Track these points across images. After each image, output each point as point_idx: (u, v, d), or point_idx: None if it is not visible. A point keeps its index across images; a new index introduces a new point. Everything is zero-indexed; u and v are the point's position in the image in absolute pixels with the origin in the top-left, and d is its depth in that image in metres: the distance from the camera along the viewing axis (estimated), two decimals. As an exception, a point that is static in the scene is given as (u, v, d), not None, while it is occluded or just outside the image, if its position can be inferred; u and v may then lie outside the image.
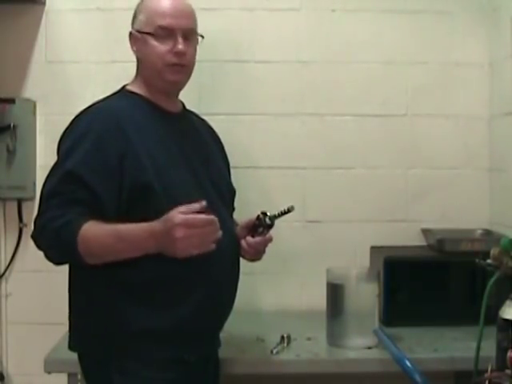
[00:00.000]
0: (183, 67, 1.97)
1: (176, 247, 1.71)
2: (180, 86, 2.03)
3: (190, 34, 1.98)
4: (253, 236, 2.04)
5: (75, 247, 1.75)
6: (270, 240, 2.04)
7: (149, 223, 1.75)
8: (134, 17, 2.01)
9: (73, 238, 1.74)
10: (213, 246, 1.74)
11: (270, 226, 2.02)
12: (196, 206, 1.72)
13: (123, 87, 2.03)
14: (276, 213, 2.00)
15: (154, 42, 1.94)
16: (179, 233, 1.69)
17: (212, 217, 1.73)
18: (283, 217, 2.01)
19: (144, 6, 1.99)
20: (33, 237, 1.84)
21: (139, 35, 1.97)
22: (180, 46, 1.93)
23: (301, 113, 2.77)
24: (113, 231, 1.77)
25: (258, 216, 2.02)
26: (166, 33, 1.94)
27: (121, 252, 1.79)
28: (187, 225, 1.70)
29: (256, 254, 2.07)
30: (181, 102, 2.10)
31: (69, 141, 1.86)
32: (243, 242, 2.04)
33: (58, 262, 1.87)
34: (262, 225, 2.00)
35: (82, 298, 1.91)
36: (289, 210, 1.99)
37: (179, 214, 1.71)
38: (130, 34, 2.01)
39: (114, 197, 1.81)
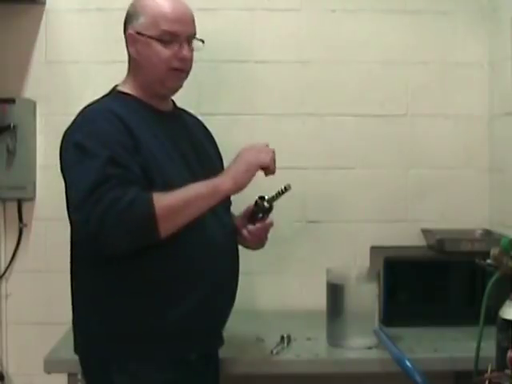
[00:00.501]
0: (184, 73, 1.98)
1: (248, 156, 1.88)
2: (177, 91, 2.04)
3: (192, 39, 1.98)
4: (253, 223, 2.03)
5: (153, 211, 1.72)
6: (271, 225, 2.02)
7: None
8: (132, 17, 1.97)
9: (149, 202, 1.73)
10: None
11: (269, 210, 1.98)
12: None
13: (114, 88, 2.02)
14: (273, 194, 1.97)
15: (158, 47, 1.93)
16: (247, 146, 1.90)
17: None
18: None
19: (146, 8, 1.95)
20: (94, 227, 1.69)
21: (141, 37, 1.94)
22: (185, 52, 1.94)
23: (301, 113, 2.77)
24: (184, 187, 1.81)
25: (256, 202, 2.00)
26: (171, 38, 1.93)
27: (193, 200, 1.81)
28: (252, 144, 1.92)
29: (259, 241, 2.07)
30: (171, 100, 2.10)
31: (81, 137, 1.81)
32: (244, 231, 2.04)
33: (130, 244, 1.76)
34: (260, 210, 1.97)
35: (83, 300, 1.91)
36: (286, 189, 1.96)
37: None
38: (129, 34, 1.97)
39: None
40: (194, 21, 1.99)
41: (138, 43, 1.95)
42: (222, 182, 1.85)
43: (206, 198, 1.83)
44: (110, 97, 1.98)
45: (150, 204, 1.74)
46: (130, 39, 1.97)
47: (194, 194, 1.82)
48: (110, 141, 1.80)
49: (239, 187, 1.86)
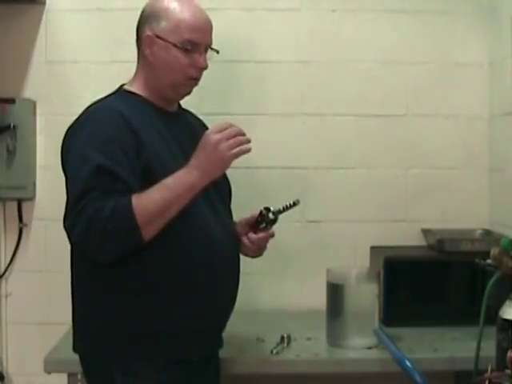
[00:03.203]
0: (197, 80, 1.99)
1: (217, 153, 1.78)
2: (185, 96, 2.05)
3: (209, 48, 1.99)
4: (255, 232, 2.03)
5: (134, 219, 1.73)
6: (272, 236, 2.03)
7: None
8: (151, 19, 1.93)
9: (129, 211, 1.73)
10: (250, 147, 1.83)
11: (274, 222, 1.99)
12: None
13: (120, 87, 2.01)
14: (280, 207, 1.96)
15: (178, 54, 1.92)
16: (215, 137, 1.79)
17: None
18: (285, 213, 1.99)
19: (168, 13, 1.92)
20: (79, 238, 1.76)
21: (161, 41, 1.92)
22: (203, 62, 1.95)
23: (301, 113, 2.77)
24: (158, 186, 1.78)
25: (261, 212, 2.00)
26: (192, 47, 1.93)
27: (173, 201, 1.78)
28: (218, 130, 1.81)
29: (258, 251, 2.07)
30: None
31: (82, 139, 1.82)
32: (245, 239, 2.04)
33: (116, 251, 1.78)
34: (264, 220, 1.98)
35: (84, 299, 1.91)
36: (294, 204, 1.95)
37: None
38: (147, 36, 1.92)
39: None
40: (212, 30, 1.99)
41: (155, 46, 1.93)
42: (198, 180, 1.80)
43: (183, 198, 1.80)
44: (116, 95, 1.98)
45: (131, 212, 1.73)
46: (148, 41, 1.94)
47: (172, 195, 1.79)
48: (108, 141, 1.80)
49: (212, 180, 1.85)
